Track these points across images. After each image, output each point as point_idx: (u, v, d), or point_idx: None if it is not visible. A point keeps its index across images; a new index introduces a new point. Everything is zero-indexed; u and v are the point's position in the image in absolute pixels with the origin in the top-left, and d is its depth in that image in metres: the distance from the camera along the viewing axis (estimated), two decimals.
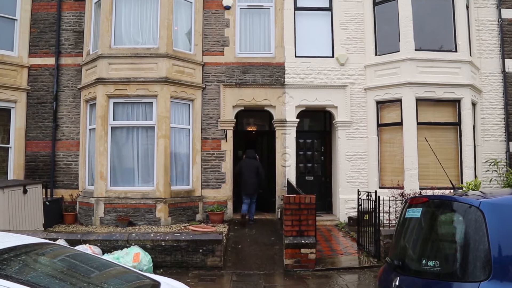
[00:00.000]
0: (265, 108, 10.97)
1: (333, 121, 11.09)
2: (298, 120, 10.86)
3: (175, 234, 7.08)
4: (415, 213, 3.43)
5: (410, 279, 3.14)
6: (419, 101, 10.18)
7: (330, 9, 11.14)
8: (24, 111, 10.77)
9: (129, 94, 9.93)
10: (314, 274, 6.60)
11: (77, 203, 10.27)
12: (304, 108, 10.95)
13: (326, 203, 11.54)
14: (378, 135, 10.68)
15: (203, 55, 10.84)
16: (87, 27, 10.79)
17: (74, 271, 3.17)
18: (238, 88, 10.80)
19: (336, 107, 10.86)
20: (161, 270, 6.63)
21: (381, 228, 7.46)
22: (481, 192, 3.60)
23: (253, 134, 13.01)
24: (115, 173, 9.99)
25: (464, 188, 8.73)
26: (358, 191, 8.35)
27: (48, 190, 10.36)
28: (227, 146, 10.69)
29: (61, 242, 6.41)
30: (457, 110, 10.31)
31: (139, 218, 9.57)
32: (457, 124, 10.28)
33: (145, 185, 9.94)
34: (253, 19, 11.28)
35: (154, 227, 9.36)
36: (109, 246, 6.77)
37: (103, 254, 6.54)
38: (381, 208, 7.64)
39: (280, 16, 10.98)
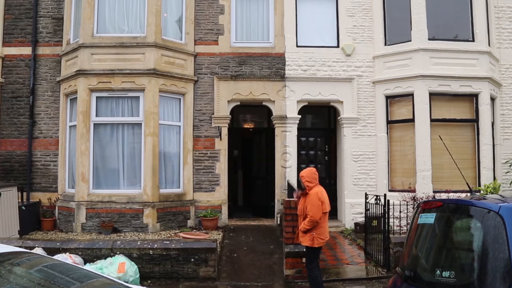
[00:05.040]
0: (264, 103, 10.97)
1: (338, 118, 11.11)
2: (300, 116, 10.85)
3: (165, 242, 7.08)
4: (429, 218, 3.43)
5: None
6: (433, 95, 10.20)
7: None
8: None
9: (114, 88, 9.89)
10: None
11: (56, 207, 10.24)
12: (306, 103, 10.95)
13: (330, 208, 11.52)
14: (387, 133, 10.69)
15: (195, 44, 10.81)
16: (67, 13, 10.74)
17: (53, 283, 3.16)
18: (233, 81, 10.78)
19: (342, 102, 10.87)
20: (149, 281, 6.62)
21: (391, 235, 7.48)
22: (501, 195, 3.60)
23: (250, 132, 13.01)
24: (98, 174, 9.95)
25: (482, 191, 8.76)
26: (366, 194, 8.37)
27: (24, 194, 10.31)
28: (222, 145, 10.68)
29: (38, 250, 6.40)
30: (474, 105, 10.33)
31: (125, 224, 9.55)
32: (474, 121, 10.30)
33: (131, 188, 9.92)
34: (250, 5, 11.25)
35: (141, 234, 9.34)
36: (91, 255, 6.77)
37: (85, 264, 6.55)
38: (391, 213, 7.65)
39: (280, 2, 10.95)
